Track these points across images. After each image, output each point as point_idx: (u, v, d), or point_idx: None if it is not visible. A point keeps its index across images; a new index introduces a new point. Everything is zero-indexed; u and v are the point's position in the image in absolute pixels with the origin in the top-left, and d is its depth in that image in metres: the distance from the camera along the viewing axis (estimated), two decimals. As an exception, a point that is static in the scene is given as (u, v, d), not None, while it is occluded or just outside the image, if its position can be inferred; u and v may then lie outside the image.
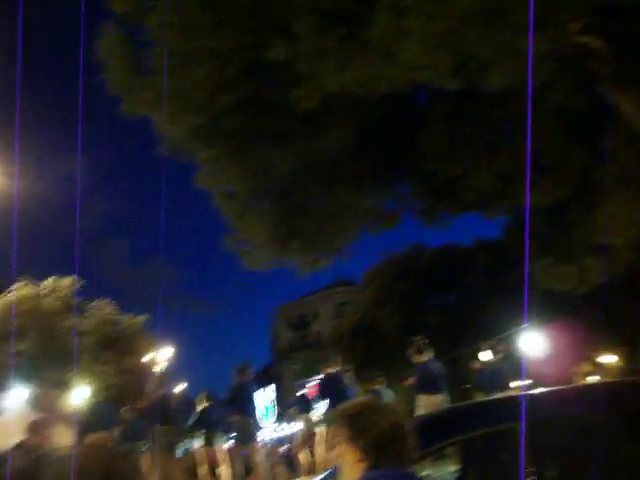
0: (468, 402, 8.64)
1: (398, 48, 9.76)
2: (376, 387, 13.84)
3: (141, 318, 31.61)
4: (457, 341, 24.61)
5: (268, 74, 11.59)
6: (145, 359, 28.39)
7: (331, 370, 12.34)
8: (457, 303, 29.18)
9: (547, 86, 12.50)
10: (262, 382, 27.63)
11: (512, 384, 13.13)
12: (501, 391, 12.34)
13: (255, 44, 10.76)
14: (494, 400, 7.16)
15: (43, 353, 26.52)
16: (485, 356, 15.68)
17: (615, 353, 26.12)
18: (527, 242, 14.17)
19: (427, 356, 12.45)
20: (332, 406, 11.23)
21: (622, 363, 26.01)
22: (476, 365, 16.37)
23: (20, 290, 27.17)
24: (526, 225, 12.91)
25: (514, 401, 3.99)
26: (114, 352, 28.72)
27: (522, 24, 8.22)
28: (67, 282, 28.74)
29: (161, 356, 44.14)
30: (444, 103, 14.35)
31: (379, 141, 14.90)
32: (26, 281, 27.68)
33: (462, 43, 9.48)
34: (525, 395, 4.12)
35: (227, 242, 15.17)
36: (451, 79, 10.15)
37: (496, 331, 20.22)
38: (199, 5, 11.01)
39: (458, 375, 20.92)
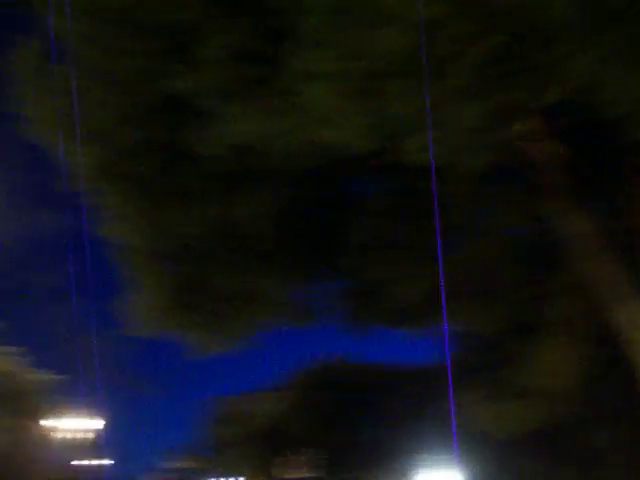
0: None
1: (309, 96, 8.75)
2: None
3: (49, 376, 29.01)
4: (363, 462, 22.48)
5: (177, 111, 10.56)
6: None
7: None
8: (372, 426, 26.99)
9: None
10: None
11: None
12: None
13: (164, 71, 9.77)
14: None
15: None
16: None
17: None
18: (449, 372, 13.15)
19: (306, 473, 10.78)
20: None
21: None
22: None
23: None
24: (446, 354, 12.07)
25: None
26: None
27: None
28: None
29: (88, 425, 40.82)
30: (377, 194, 13.36)
31: (304, 222, 13.67)
32: None
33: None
34: None
35: (117, 302, 13.61)
36: (364, 140, 9.10)
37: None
38: (117, 22, 10.12)
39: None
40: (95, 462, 27.07)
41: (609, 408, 15.21)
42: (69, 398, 26.58)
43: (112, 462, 14.92)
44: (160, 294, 13.26)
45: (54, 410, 27.38)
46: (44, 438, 25.28)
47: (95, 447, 24.69)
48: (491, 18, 8.23)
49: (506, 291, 14.77)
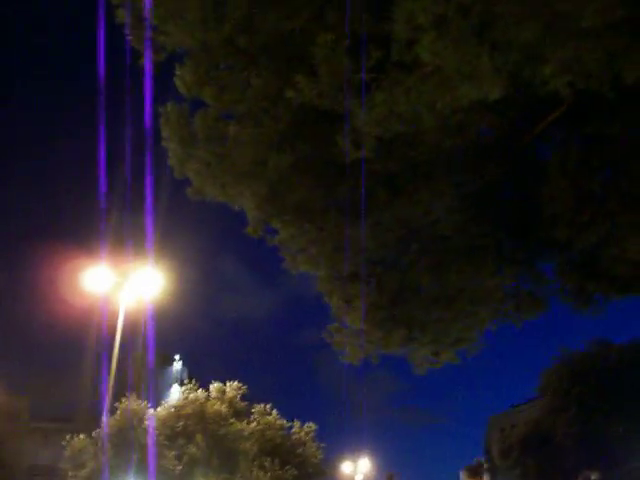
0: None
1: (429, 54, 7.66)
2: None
3: (311, 426, 29.97)
4: None
5: (316, 122, 9.99)
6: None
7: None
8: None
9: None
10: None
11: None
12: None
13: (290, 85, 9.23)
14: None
15: (208, 457, 25.91)
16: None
17: None
18: None
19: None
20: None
21: None
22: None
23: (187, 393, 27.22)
24: None
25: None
26: (277, 459, 27.30)
27: None
28: (233, 386, 28.57)
29: (359, 468, 41.81)
30: (565, 148, 11.60)
31: (495, 207, 12.33)
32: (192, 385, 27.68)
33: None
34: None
35: (326, 334, 13.17)
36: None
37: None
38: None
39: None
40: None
41: None
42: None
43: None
44: (357, 316, 12.58)
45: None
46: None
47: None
48: None
49: None
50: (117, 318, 21.96)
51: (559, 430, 25.02)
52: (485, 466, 45.56)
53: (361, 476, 41.94)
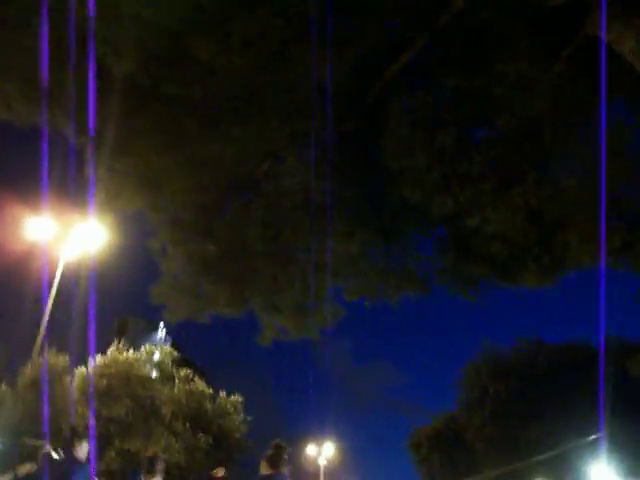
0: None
1: None
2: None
3: (237, 398, 28.81)
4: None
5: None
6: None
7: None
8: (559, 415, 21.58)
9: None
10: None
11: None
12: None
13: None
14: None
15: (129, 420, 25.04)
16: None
17: None
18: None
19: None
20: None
21: None
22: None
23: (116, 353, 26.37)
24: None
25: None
26: (191, 426, 26.27)
27: None
28: (164, 350, 27.73)
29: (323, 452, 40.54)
30: (416, 98, 9.96)
31: (342, 162, 10.73)
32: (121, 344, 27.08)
33: None
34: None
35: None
36: None
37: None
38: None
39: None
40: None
41: None
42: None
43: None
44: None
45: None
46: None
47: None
48: None
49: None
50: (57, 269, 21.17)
51: (471, 429, 23.28)
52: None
53: (324, 461, 40.62)
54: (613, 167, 8.46)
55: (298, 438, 36.74)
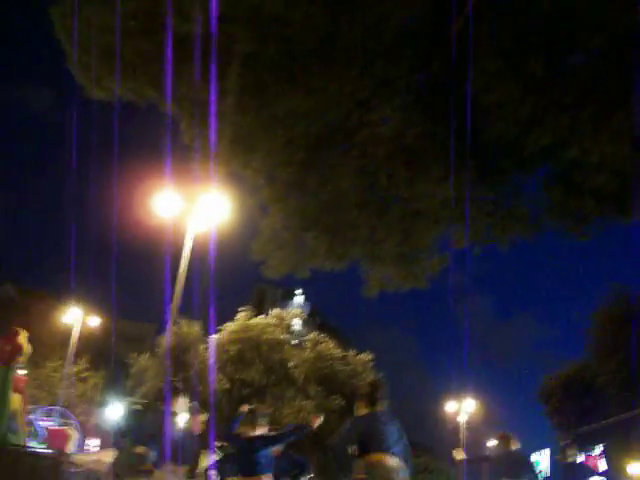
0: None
1: None
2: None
3: (367, 356, 29.01)
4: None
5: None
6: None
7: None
8: None
9: None
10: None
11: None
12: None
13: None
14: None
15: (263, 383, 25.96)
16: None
17: None
18: None
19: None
20: None
21: None
22: None
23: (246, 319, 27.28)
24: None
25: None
26: (323, 388, 26.77)
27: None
28: (293, 312, 28.35)
29: (463, 408, 40.15)
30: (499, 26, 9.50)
31: (431, 104, 10.53)
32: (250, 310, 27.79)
33: None
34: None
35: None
36: None
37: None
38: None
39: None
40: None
41: None
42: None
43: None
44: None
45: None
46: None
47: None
48: None
49: None
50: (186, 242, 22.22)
51: (603, 376, 22.12)
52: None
53: (465, 416, 39.96)
54: None
55: (437, 395, 36.35)
